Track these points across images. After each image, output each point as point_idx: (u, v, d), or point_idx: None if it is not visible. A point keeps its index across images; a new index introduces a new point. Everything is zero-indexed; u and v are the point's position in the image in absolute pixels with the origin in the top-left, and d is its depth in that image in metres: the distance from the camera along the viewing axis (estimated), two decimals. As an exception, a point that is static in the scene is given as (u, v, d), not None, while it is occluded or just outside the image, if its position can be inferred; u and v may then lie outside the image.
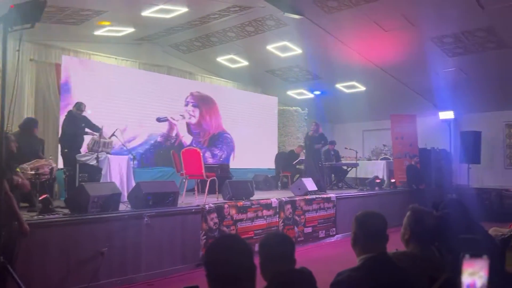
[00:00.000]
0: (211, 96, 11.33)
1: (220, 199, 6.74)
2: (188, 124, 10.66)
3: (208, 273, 1.45)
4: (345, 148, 11.55)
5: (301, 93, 13.12)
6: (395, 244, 2.40)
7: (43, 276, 4.30)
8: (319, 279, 2.09)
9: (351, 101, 12.24)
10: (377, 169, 11.57)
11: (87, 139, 6.91)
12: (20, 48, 7.33)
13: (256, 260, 1.86)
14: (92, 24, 8.40)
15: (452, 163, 11.95)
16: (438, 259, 2.15)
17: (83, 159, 6.47)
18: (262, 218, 6.70)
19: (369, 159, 12.95)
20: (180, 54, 11.11)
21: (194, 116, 10.81)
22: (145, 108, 9.65)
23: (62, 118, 7.49)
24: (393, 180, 10.75)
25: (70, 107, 7.10)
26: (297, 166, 10.30)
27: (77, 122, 6.78)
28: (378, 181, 10.08)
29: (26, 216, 4.28)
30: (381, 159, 12.35)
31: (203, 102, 11.06)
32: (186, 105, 10.68)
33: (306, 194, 7.78)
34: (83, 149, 6.91)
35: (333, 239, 8.09)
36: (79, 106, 6.79)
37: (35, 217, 4.54)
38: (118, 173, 6.66)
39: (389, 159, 12.07)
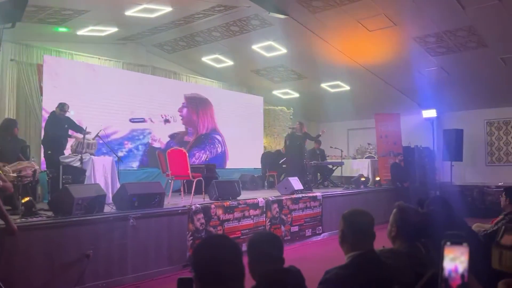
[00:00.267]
0: (206, 98, 11.31)
1: (207, 200, 6.71)
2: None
3: (196, 274, 1.44)
4: (331, 147, 11.64)
5: (286, 93, 13.16)
6: (382, 241, 2.43)
7: (27, 280, 4.22)
8: (307, 277, 2.09)
9: (336, 101, 12.33)
10: (362, 167, 11.69)
11: (70, 140, 6.81)
12: (1, 48, 7.23)
13: (245, 260, 1.86)
14: (74, 24, 8.27)
15: (435, 161, 12.14)
16: (424, 255, 2.18)
17: (67, 160, 6.37)
18: (249, 218, 6.70)
19: (354, 158, 13.08)
20: (164, 54, 11.03)
21: (180, 117, 10.73)
22: (129, 108, 9.55)
23: (44, 119, 7.36)
24: (378, 178, 10.87)
25: (53, 108, 6.98)
26: (284, 166, 10.33)
27: (60, 123, 6.67)
28: (363, 179, 10.19)
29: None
30: (366, 158, 12.48)
31: (193, 104, 10.98)
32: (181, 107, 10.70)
33: (292, 193, 7.81)
34: (67, 150, 6.80)
35: (319, 237, 8.13)
36: (62, 107, 6.67)
37: (18, 220, 4.44)
38: (102, 174, 6.58)
39: (374, 157, 12.21)
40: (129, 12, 7.97)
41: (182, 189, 7.82)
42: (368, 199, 9.48)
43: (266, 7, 7.89)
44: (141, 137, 9.88)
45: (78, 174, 6.26)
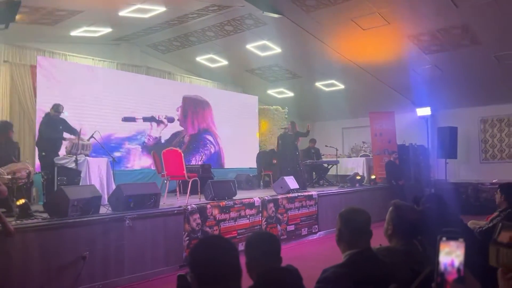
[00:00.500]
0: (203, 99, 11.29)
1: (203, 200, 6.71)
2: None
3: (193, 274, 1.44)
4: (326, 146, 11.66)
5: (281, 92, 13.17)
6: (379, 239, 2.44)
7: (23, 283, 4.20)
8: (304, 276, 2.10)
9: (330, 99, 12.36)
10: (357, 166, 11.73)
11: (65, 142, 6.77)
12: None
13: (242, 260, 1.86)
14: (68, 24, 8.23)
15: (430, 159, 12.19)
16: (421, 252, 2.19)
17: (62, 162, 6.34)
18: (245, 217, 6.70)
19: (349, 156, 13.11)
20: (158, 54, 11.00)
21: (177, 118, 10.69)
22: (124, 109, 9.52)
23: (38, 120, 7.31)
24: (373, 177, 10.90)
25: (47, 109, 6.93)
26: (274, 162, 10.35)
27: (55, 125, 6.63)
28: (358, 177, 10.22)
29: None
30: (361, 156, 12.52)
31: (186, 104, 10.94)
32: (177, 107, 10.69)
33: (288, 192, 7.82)
34: (61, 152, 6.76)
35: (315, 236, 8.15)
36: (57, 108, 6.63)
37: (13, 222, 4.41)
38: (97, 175, 6.55)
39: (369, 155, 12.25)
40: (122, 13, 7.94)
41: (177, 190, 7.80)
42: (364, 198, 9.51)
43: (260, 6, 7.89)
44: (138, 137, 9.85)
45: (73, 175, 6.24)
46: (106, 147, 7.72)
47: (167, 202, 6.64)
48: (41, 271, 4.36)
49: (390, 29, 8.35)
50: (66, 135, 6.80)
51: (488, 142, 11.77)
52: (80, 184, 6.07)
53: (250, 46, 9.88)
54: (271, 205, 7.23)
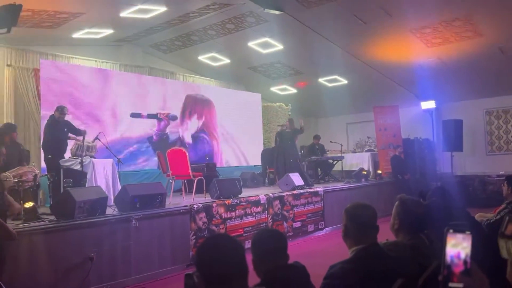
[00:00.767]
0: (206, 98, 11.26)
1: (208, 198, 6.72)
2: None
3: (199, 273, 1.45)
4: (330, 141, 11.63)
5: (284, 89, 13.15)
6: (385, 234, 2.43)
7: (31, 285, 4.23)
8: (311, 273, 2.09)
9: (334, 95, 12.31)
10: (362, 161, 11.70)
11: (70, 143, 6.80)
12: (-3, 53, 7.12)
13: (249, 257, 1.86)
14: (70, 26, 8.25)
15: (435, 152, 12.13)
16: (428, 247, 2.17)
17: (67, 164, 6.37)
18: (251, 215, 6.70)
19: (354, 152, 13.07)
20: (161, 54, 11.01)
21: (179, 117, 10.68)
22: (128, 109, 9.54)
23: (43, 123, 7.34)
24: (380, 172, 10.87)
25: (51, 112, 6.96)
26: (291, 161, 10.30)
27: (59, 127, 6.65)
28: (364, 173, 10.19)
29: (11, 224, 4.19)
30: (366, 151, 12.48)
31: (187, 104, 10.92)
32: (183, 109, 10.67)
33: (293, 189, 7.81)
34: (67, 154, 6.79)
35: (322, 232, 8.14)
36: (61, 110, 6.64)
37: (20, 225, 4.44)
38: (103, 176, 6.58)
39: (374, 150, 12.21)
40: (124, 14, 7.95)
41: (183, 189, 7.82)
42: (370, 193, 9.49)
43: (261, 3, 7.87)
44: (142, 137, 9.86)
45: (79, 177, 6.26)
46: (111, 148, 7.74)
47: (173, 201, 6.66)
48: (49, 273, 4.39)
49: (392, 23, 8.30)
50: (71, 136, 6.81)
51: (494, 134, 11.70)
52: (86, 186, 6.09)
53: (252, 44, 9.86)
54: (277, 202, 7.23)
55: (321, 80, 11.96)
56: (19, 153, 6.33)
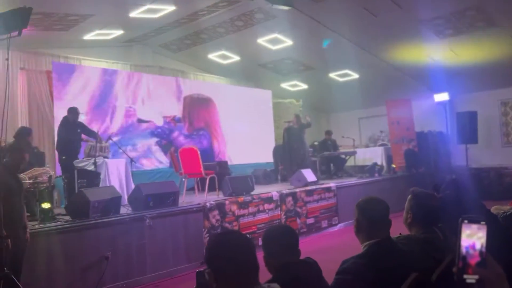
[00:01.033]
0: (207, 96, 11.20)
1: (221, 196, 6.74)
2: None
3: (210, 269, 1.45)
4: (342, 137, 11.55)
5: (294, 85, 13.10)
6: (399, 228, 2.40)
7: (48, 285, 4.30)
8: (324, 268, 2.08)
9: (345, 90, 12.21)
10: (375, 155, 11.60)
11: (83, 144, 6.87)
12: (10, 57, 7.30)
13: (260, 254, 1.85)
14: (80, 29, 8.33)
15: (449, 145, 11.97)
16: (442, 240, 2.14)
17: (81, 164, 6.44)
18: (264, 212, 6.70)
19: (367, 146, 12.97)
20: (170, 53, 11.05)
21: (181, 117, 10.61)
22: (140, 109, 9.60)
23: (56, 125, 7.43)
24: (394, 166, 10.76)
25: (64, 114, 7.04)
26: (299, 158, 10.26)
27: (73, 128, 6.72)
28: (378, 167, 10.10)
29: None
30: (379, 146, 12.37)
31: (187, 103, 10.82)
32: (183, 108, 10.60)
33: (306, 185, 7.78)
34: (81, 155, 6.87)
35: (336, 228, 8.10)
36: (74, 112, 6.72)
37: (37, 226, 4.52)
38: (117, 176, 6.64)
39: (387, 145, 12.10)
40: (133, 14, 7.99)
41: (196, 187, 7.85)
42: (383, 187, 9.40)
43: (269, -1, 7.83)
44: (152, 137, 9.92)
45: (93, 177, 6.32)
46: (123, 148, 7.82)
47: (186, 200, 6.69)
48: (66, 272, 4.45)
49: (402, 15, 8.19)
50: (84, 137, 6.89)
51: (509, 125, 11.49)
52: (100, 186, 6.15)
53: (261, 40, 9.83)
54: (290, 198, 7.21)
55: (332, 75, 11.88)
56: (34, 156, 6.41)
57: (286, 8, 8.07)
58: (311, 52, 10.66)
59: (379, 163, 10.84)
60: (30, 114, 8.38)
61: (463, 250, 0.92)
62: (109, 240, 4.87)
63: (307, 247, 6.29)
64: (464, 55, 9.77)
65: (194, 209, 5.83)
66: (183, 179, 7.26)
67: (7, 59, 3.51)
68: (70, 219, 4.91)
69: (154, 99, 9.95)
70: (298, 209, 7.35)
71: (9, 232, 3.38)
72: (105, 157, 6.67)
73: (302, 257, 2.01)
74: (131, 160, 7.20)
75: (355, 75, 11.78)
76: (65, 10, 7.35)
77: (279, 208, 6.97)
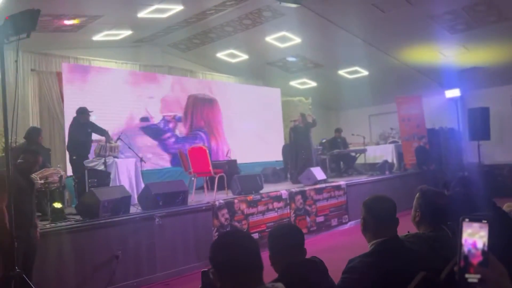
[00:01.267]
0: (212, 97, 11.20)
1: (230, 195, 6.74)
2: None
3: (214, 269, 1.45)
4: (352, 134, 11.48)
5: (303, 83, 13.04)
6: (409, 227, 2.37)
7: (59, 284, 4.34)
8: (334, 267, 2.07)
9: (354, 87, 12.12)
10: (386, 153, 11.51)
11: (93, 145, 6.92)
12: (20, 59, 7.42)
13: (266, 253, 1.85)
14: (89, 29, 8.39)
15: (461, 142, 11.82)
16: (450, 239, 2.11)
17: (91, 164, 6.49)
18: (273, 210, 6.69)
19: (377, 144, 12.87)
20: (179, 53, 11.08)
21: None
22: (149, 109, 9.65)
23: (67, 125, 7.50)
24: (407, 163, 10.67)
25: (74, 114, 7.08)
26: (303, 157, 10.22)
27: (83, 128, 6.76)
28: (389, 164, 10.02)
29: (39, 225, 4.30)
30: (390, 143, 12.26)
31: (190, 103, 10.78)
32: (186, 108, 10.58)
33: (315, 184, 7.75)
34: (91, 155, 6.91)
35: (346, 226, 8.06)
36: (84, 112, 6.76)
37: (48, 225, 4.56)
38: (126, 176, 6.68)
39: (398, 142, 11.99)
40: (141, 14, 8.03)
41: (205, 186, 7.87)
42: (394, 185, 9.33)
43: (277, -3, 7.80)
44: (165, 136, 9.94)
45: (103, 177, 6.36)
46: (133, 148, 7.86)
47: (195, 199, 6.71)
48: (76, 271, 4.50)
49: (411, 10, 8.10)
50: (95, 136, 6.92)
51: (522, 121, 11.29)
52: (110, 185, 6.19)
53: (269, 39, 9.81)
54: (299, 197, 7.19)
55: (341, 72, 11.81)
56: (45, 156, 6.47)
57: (294, 5, 8.04)
58: (319, 49, 10.60)
59: (389, 160, 10.76)
60: (41, 115, 8.48)
61: (465, 249, 0.90)
62: (119, 239, 4.90)
63: (317, 245, 6.27)
64: (476, 51, 9.63)
65: (203, 208, 5.84)
66: (192, 178, 7.28)
67: (16, 61, 3.55)
68: (81, 218, 4.95)
69: (159, 98, 9.97)
70: (308, 208, 7.32)
71: (20, 232, 3.42)
72: (115, 156, 6.71)
73: (310, 255, 2.00)
74: (141, 160, 7.23)
75: (365, 72, 11.70)
76: (74, 11, 7.41)
77: (288, 207, 6.95)
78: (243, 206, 6.26)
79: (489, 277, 0.88)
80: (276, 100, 12.80)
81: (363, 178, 9.25)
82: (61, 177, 5.78)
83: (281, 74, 12.34)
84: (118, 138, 7.21)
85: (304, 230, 6.96)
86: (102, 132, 6.85)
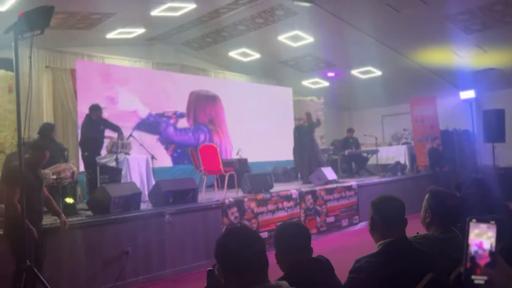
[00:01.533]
0: (214, 94, 11.15)
1: (240, 193, 6.74)
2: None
3: (220, 265, 1.45)
4: (364, 135, 11.39)
5: (316, 82, 12.98)
6: (419, 228, 2.34)
7: (70, 278, 4.40)
8: (342, 267, 2.05)
9: (367, 87, 12.02)
10: (398, 154, 11.40)
11: (105, 141, 6.98)
12: (36, 55, 7.54)
13: (273, 252, 1.84)
14: (103, 27, 8.47)
15: (475, 143, 11.64)
16: (460, 240, 2.08)
17: (103, 161, 6.55)
18: (283, 209, 6.68)
19: (390, 145, 12.75)
20: (192, 51, 11.12)
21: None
22: (161, 107, 9.71)
23: (80, 122, 7.59)
24: (419, 165, 10.55)
25: (87, 111, 7.15)
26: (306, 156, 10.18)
27: (95, 125, 6.84)
28: (402, 165, 9.92)
29: (50, 220, 4.36)
30: (402, 144, 12.14)
31: (194, 100, 10.74)
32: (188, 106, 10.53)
33: (326, 184, 7.71)
34: (103, 151, 6.98)
35: (357, 227, 8.01)
36: (96, 109, 6.83)
37: (59, 220, 4.61)
38: (138, 173, 6.73)
39: (410, 143, 11.86)
40: (154, 12, 8.07)
41: (215, 184, 7.89)
42: (406, 186, 9.23)
43: (290, -4, 7.78)
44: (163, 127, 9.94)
45: (114, 173, 6.43)
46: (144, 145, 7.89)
47: (206, 196, 6.73)
48: (87, 266, 4.55)
49: (426, 10, 7.99)
50: (107, 133, 6.99)
51: (539, 124, 11.05)
52: (121, 182, 6.25)
53: (282, 38, 9.78)
54: (309, 196, 7.16)
55: (354, 72, 11.72)
56: (58, 151, 6.55)
57: (307, 4, 8.02)
58: (332, 48, 10.53)
59: (402, 161, 10.65)
60: (54, 111, 8.59)
61: (472, 251, 0.88)
62: (130, 235, 4.94)
63: (326, 245, 6.23)
64: (492, 51, 9.47)
65: (213, 205, 5.85)
66: (203, 176, 7.30)
67: (30, 57, 3.60)
68: (92, 214, 5.00)
69: (176, 96, 10.02)
70: (318, 208, 7.29)
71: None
72: (126, 153, 6.77)
73: (318, 255, 1.98)
74: (152, 157, 7.28)
75: (378, 72, 11.59)
76: (88, 9, 7.48)
77: (298, 206, 6.93)
78: (253, 205, 6.25)
79: (496, 279, 0.85)
80: (288, 100, 12.76)
81: (374, 179, 9.18)
82: (73, 172, 5.84)
83: (293, 73, 12.30)
84: (130, 135, 7.27)
85: (314, 230, 6.94)
86: (115, 128, 6.92)
